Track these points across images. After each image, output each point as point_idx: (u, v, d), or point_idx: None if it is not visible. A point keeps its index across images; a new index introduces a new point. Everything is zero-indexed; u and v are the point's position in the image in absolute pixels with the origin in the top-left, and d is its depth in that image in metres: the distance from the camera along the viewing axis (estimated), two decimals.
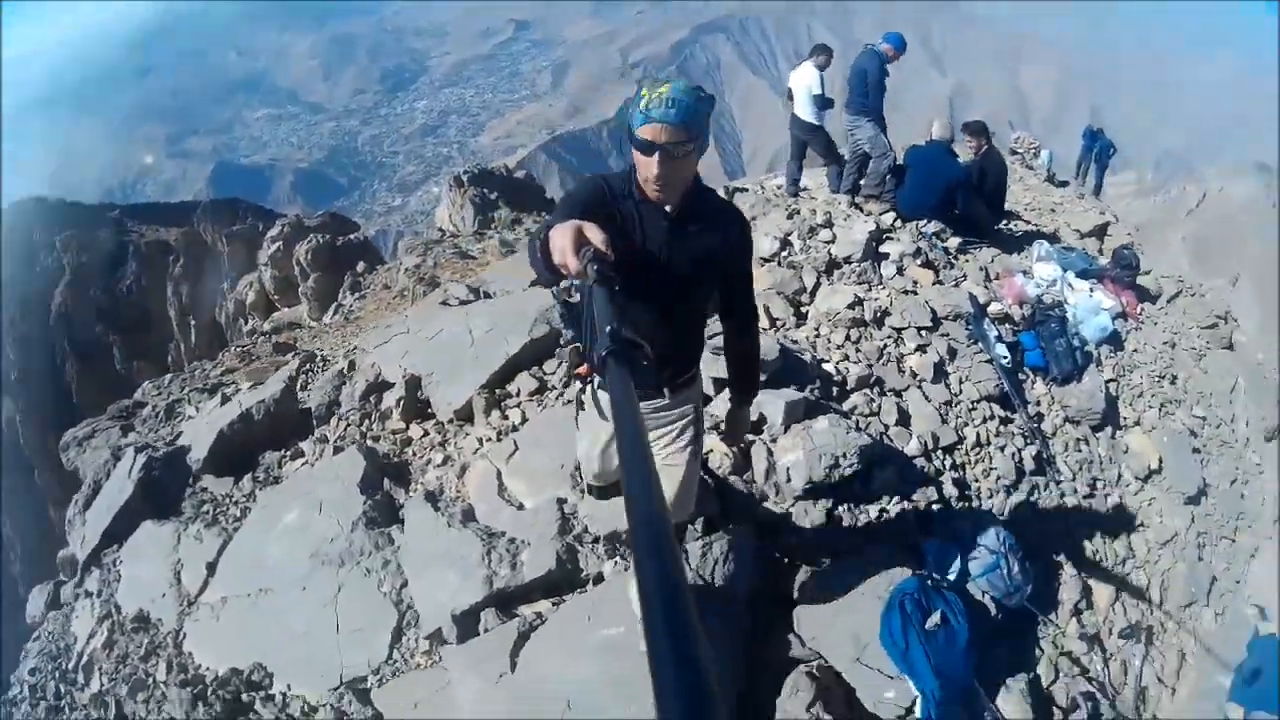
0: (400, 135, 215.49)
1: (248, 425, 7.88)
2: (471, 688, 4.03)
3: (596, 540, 4.66)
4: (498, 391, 6.24)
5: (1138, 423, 7.35)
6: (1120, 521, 6.38)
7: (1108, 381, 7.46)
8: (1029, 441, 6.18)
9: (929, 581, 4.05)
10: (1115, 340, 8.16)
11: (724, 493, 4.74)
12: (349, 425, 7.12)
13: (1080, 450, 6.65)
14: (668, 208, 2.62)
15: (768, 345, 5.57)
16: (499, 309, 7.76)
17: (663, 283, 2.65)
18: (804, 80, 9.57)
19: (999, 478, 5.71)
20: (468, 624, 4.35)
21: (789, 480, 4.63)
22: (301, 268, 19.87)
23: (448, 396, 6.37)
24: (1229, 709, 5.09)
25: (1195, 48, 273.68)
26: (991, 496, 5.61)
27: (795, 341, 6.29)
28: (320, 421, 7.54)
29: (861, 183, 9.82)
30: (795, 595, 4.17)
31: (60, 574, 8.55)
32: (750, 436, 4.95)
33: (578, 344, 3.16)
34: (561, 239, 1.93)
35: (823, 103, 9.59)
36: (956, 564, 4.41)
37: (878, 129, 9.48)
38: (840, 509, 4.70)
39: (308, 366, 8.96)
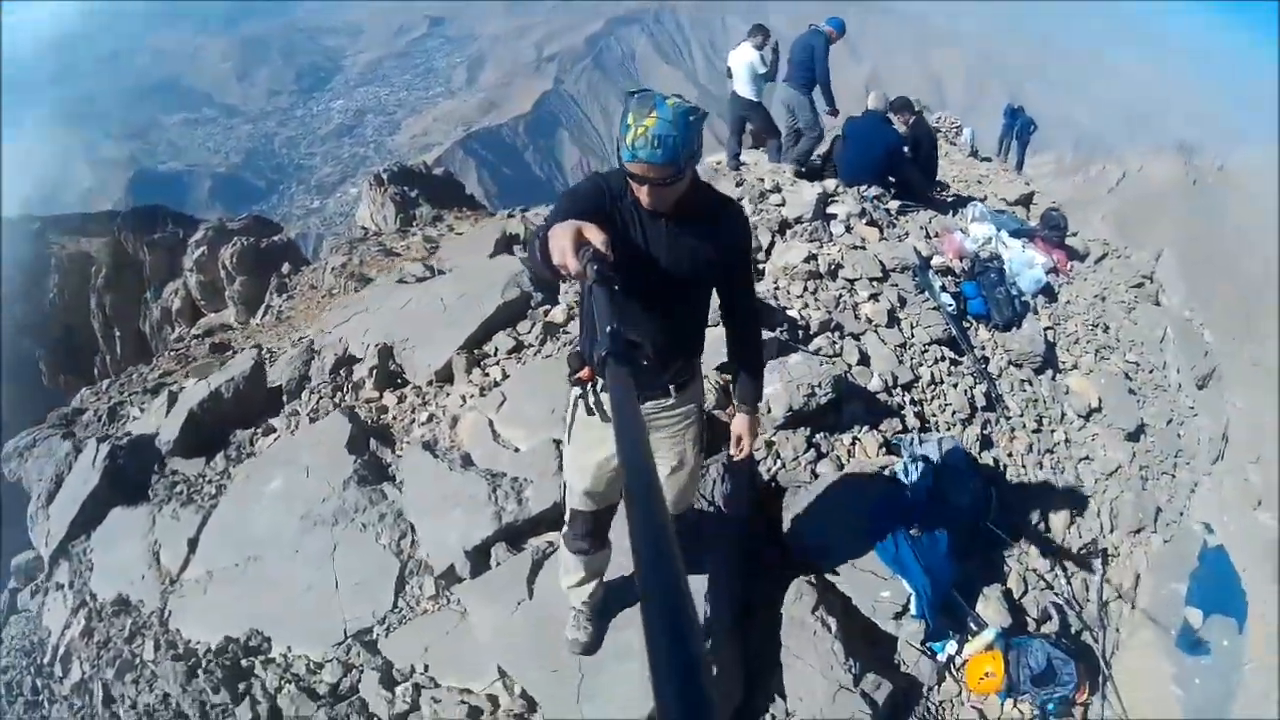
0: (317, 136, 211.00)
1: (217, 404, 7.82)
2: (490, 618, 4.20)
3: None
4: (475, 352, 6.37)
5: (1075, 366, 7.79)
6: (1068, 454, 6.76)
7: (1045, 329, 7.86)
8: (978, 381, 6.55)
9: (906, 494, 4.37)
10: (1049, 293, 8.62)
11: (711, 424, 4.95)
12: (321, 398, 7.15)
13: (1025, 390, 7.03)
14: (665, 211, 2.62)
15: None
16: (467, 277, 7.88)
17: (664, 283, 2.65)
18: (744, 59, 9.89)
19: (954, 412, 6.07)
20: (480, 559, 4.51)
21: (769, 411, 4.91)
22: (227, 271, 19.68)
23: (425, 360, 6.47)
24: (1188, 613, 5.47)
25: (1101, 43, 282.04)
26: (949, 429, 5.94)
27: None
28: (291, 397, 7.53)
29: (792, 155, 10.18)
30: (785, 512, 4.44)
31: (13, 580, 8.42)
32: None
33: (577, 348, 3.05)
34: (561, 239, 1.95)
35: (763, 80, 9.94)
36: (929, 479, 4.71)
37: (814, 107, 9.87)
38: (818, 437, 5.01)
39: (267, 354, 8.95)
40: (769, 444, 4.93)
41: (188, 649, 5.38)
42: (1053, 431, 6.87)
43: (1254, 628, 5.63)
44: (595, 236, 1.94)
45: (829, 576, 4.15)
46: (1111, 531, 6.37)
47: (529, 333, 6.48)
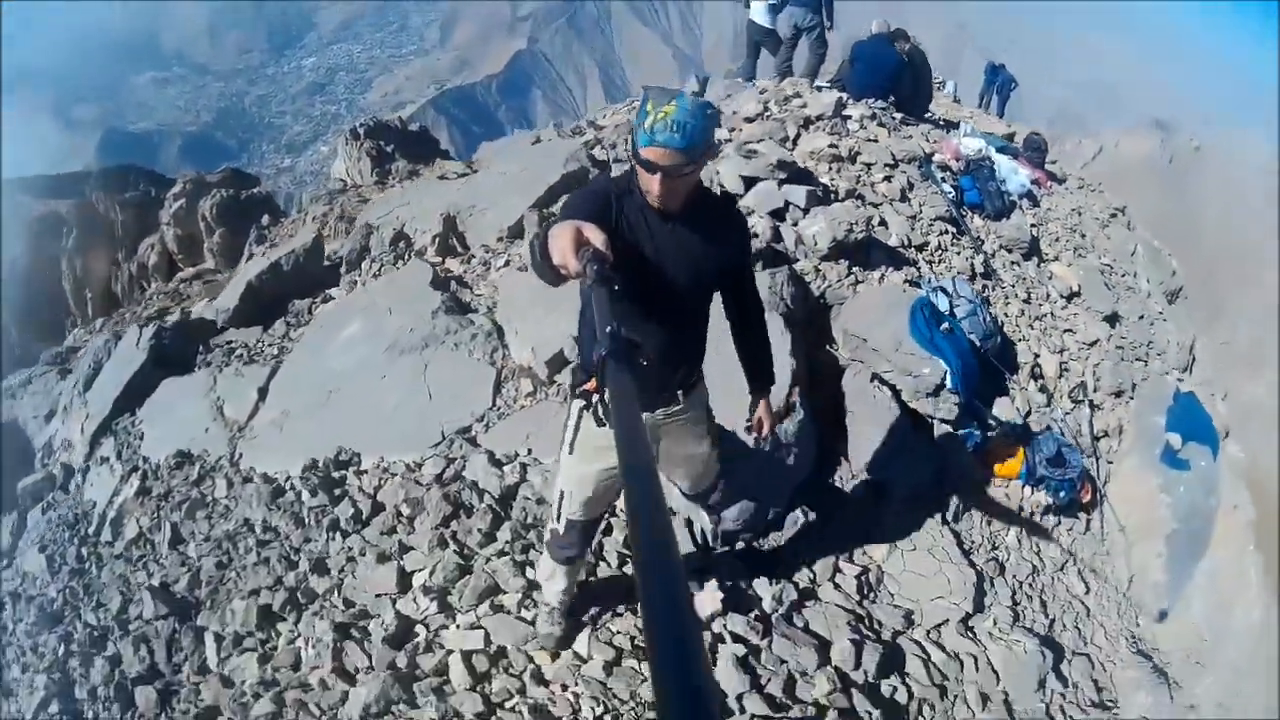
0: (288, 95, 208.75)
1: (276, 275, 8.23)
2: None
3: None
4: (544, 211, 6.92)
5: (1057, 258, 8.50)
6: (1053, 325, 7.43)
7: (1030, 225, 8.59)
8: (977, 252, 7.32)
9: (933, 304, 5.16)
10: (1032, 199, 9.36)
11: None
12: (383, 266, 7.57)
13: (1014, 270, 7.75)
14: (672, 211, 2.65)
15: (784, 155, 6.58)
16: (525, 158, 8.46)
17: (673, 284, 2.65)
18: None
19: (959, 273, 6.77)
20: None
21: (815, 244, 5.65)
22: (207, 224, 19.66)
23: (495, 221, 6.98)
24: (1169, 437, 6.19)
25: (1079, 20, 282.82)
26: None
27: None
28: (351, 268, 7.98)
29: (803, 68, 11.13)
30: (834, 322, 5.21)
31: (19, 505, 8.31)
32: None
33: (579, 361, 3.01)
34: (561, 239, 1.96)
35: (776, 9, 10.79)
36: (947, 303, 5.48)
37: (821, 25, 10.77)
38: (854, 269, 5.77)
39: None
40: (816, 269, 5.69)
41: (268, 477, 5.65)
42: (1039, 306, 7.54)
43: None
44: (595, 236, 1.96)
45: (882, 353, 4.93)
46: (1095, 391, 6.97)
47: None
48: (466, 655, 3.69)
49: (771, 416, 3.54)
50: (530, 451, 4.85)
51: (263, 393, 6.54)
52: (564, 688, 3.54)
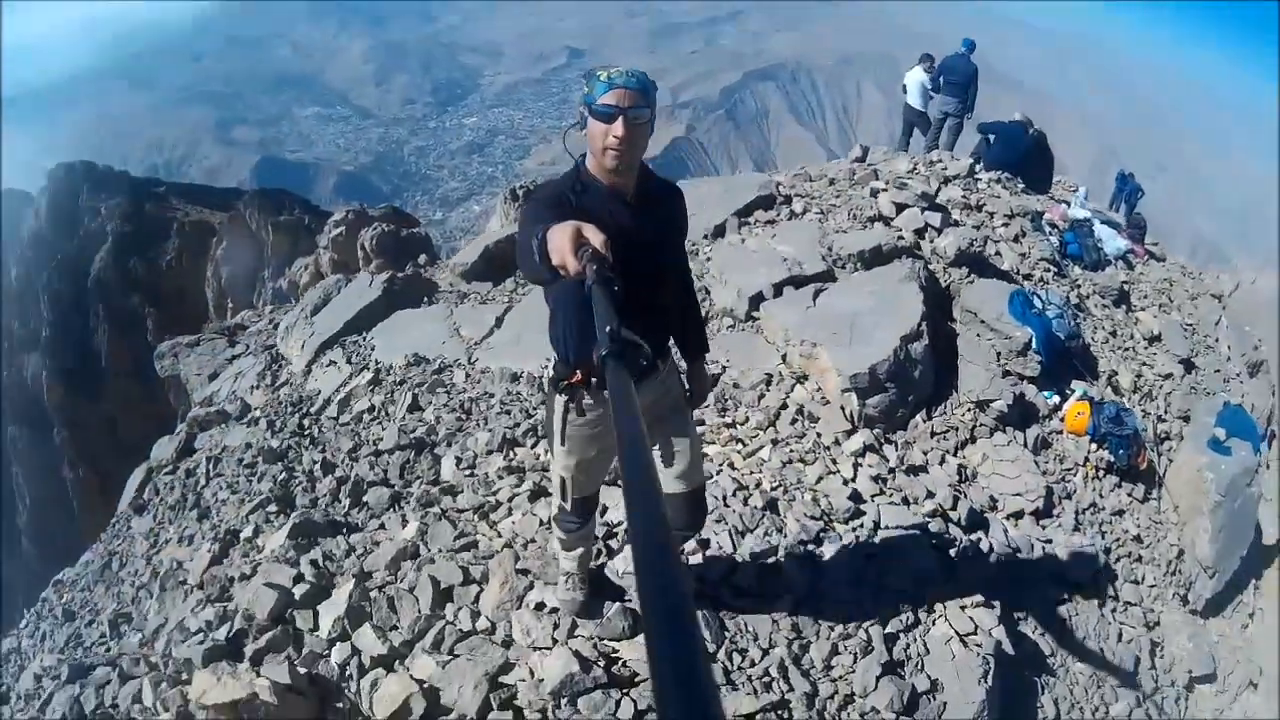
0: (447, 150, 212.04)
1: (510, 246, 9.85)
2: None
3: None
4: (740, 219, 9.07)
5: (1144, 309, 9.96)
6: (1134, 354, 8.84)
7: (1121, 282, 10.11)
8: (1072, 288, 9.06)
9: (1030, 297, 7.07)
10: (1127, 263, 10.96)
11: None
12: None
13: (1104, 310, 9.33)
14: (627, 196, 2.75)
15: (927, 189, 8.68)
16: (722, 182, 10.86)
17: (642, 266, 2.57)
18: (916, 78, 13.52)
19: (1061, 300, 8.40)
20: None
21: (945, 253, 7.75)
22: (365, 253, 19.47)
23: (704, 222, 8.97)
24: (1216, 430, 7.44)
25: (1230, 142, 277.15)
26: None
27: None
28: None
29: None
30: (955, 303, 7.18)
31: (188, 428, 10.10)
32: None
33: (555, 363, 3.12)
34: (560, 239, 1.94)
35: (927, 95, 13.29)
36: (1040, 303, 7.34)
37: (963, 113, 13.13)
38: (972, 275, 7.75)
39: None
40: (944, 270, 7.66)
41: (506, 371, 7.35)
42: (1123, 340, 8.99)
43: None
44: (594, 236, 1.95)
45: (987, 319, 6.88)
46: (1167, 411, 8.20)
47: (774, 210, 9.19)
48: None
49: (708, 384, 3.84)
50: (729, 363, 6.72)
51: (499, 321, 8.45)
52: None
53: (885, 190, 8.73)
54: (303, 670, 3.94)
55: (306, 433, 7.89)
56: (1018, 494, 6.11)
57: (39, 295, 46.09)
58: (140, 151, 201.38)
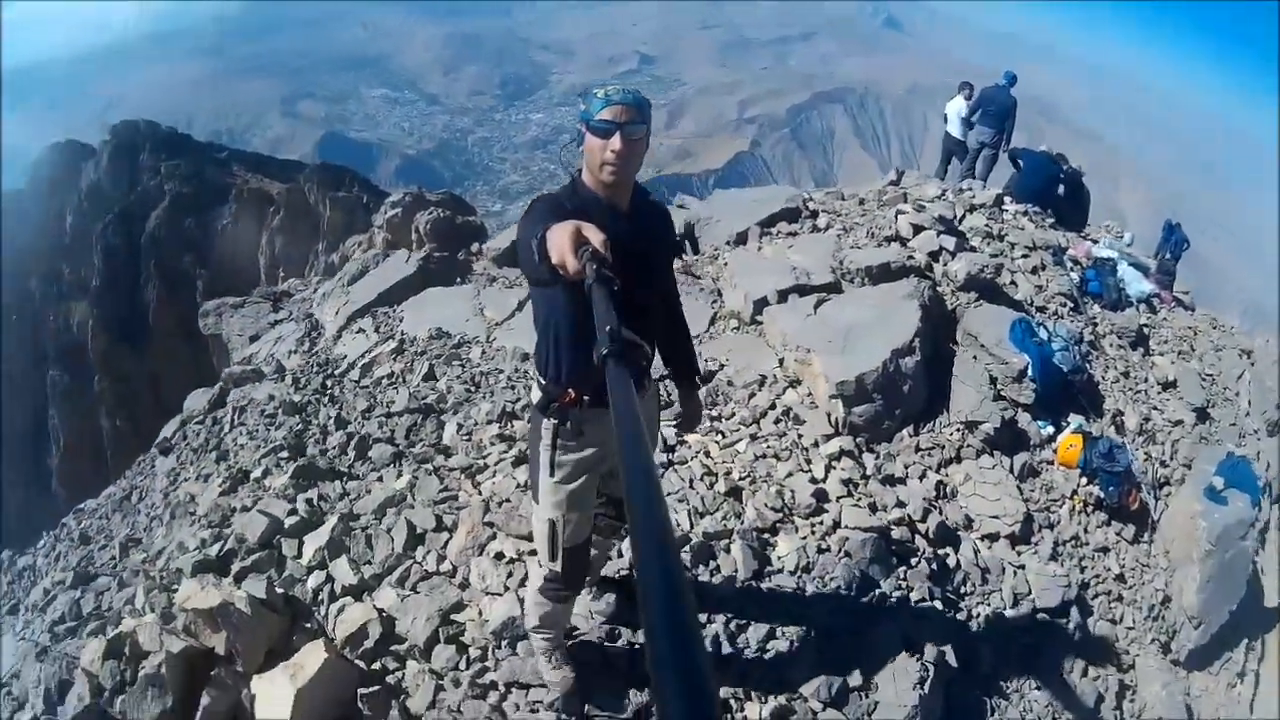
0: (511, 143, 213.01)
1: None
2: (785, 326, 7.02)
3: None
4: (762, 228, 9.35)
5: (1162, 354, 9.87)
6: (1145, 397, 8.83)
7: (1141, 324, 10.02)
8: (1088, 324, 9.15)
9: (1034, 326, 7.22)
10: (1150, 308, 10.88)
11: None
12: None
13: (1120, 350, 9.34)
14: (622, 211, 2.76)
15: (945, 213, 8.87)
16: (754, 193, 11.26)
17: (636, 278, 2.61)
18: (955, 108, 13.71)
19: (1069, 333, 8.50)
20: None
21: (955, 277, 7.88)
22: (419, 236, 18.79)
23: (726, 229, 9.40)
24: (1214, 479, 7.41)
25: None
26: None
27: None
28: None
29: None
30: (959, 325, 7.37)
31: (223, 383, 10.57)
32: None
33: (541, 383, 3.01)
34: (560, 239, 1.93)
35: (967, 124, 13.49)
36: (1045, 334, 7.47)
37: (999, 144, 13.21)
38: (980, 300, 7.90)
39: None
40: (953, 294, 7.84)
41: (520, 350, 7.79)
42: (1135, 383, 8.96)
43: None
44: (594, 236, 1.94)
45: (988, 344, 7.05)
46: (1172, 458, 8.12)
47: (798, 223, 9.45)
48: None
49: (700, 410, 3.80)
50: (728, 362, 6.99)
51: (521, 304, 8.85)
52: None
53: (906, 212, 8.92)
54: (280, 590, 4.28)
55: (328, 392, 8.36)
56: (995, 516, 6.20)
57: (92, 246, 46.55)
58: (204, 117, 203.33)
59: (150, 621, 3.82)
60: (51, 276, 49.56)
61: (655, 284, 3.02)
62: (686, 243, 9.57)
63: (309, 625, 4.13)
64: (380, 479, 5.88)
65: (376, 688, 3.61)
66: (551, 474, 2.98)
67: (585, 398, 2.84)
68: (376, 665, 3.88)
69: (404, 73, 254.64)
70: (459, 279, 10.83)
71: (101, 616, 5.38)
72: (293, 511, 5.36)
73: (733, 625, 4.12)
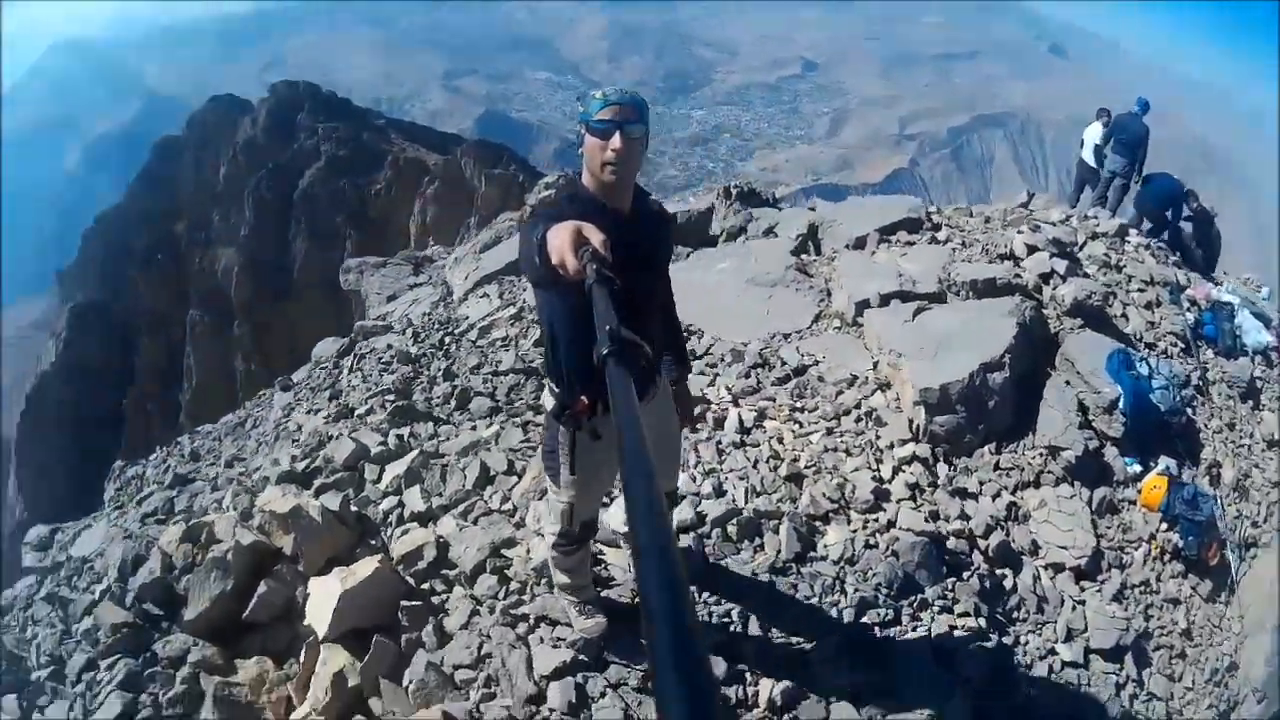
0: (671, 138, 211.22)
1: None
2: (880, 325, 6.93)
3: None
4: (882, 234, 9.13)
5: (1272, 410, 9.20)
6: (1248, 451, 8.30)
7: (1255, 376, 9.40)
8: (1195, 368, 8.67)
9: (1136, 358, 6.93)
10: (1268, 360, 10.04)
11: None
12: (750, 238, 10.09)
13: (1228, 401, 8.78)
14: (623, 213, 2.72)
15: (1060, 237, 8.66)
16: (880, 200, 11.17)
17: (638, 280, 2.58)
18: (1092, 135, 13.05)
19: (1173, 374, 8.08)
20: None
21: (1062, 301, 7.61)
22: None
23: (848, 232, 9.19)
24: None
25: None
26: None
27: None
28: (730, 237, 10.44)
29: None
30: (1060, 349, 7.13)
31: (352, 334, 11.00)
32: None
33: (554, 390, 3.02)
34: (560, 239, 1.90)
35: (1101, 151, 12.90)
36: (1147, 370, 7.14)
37: (1130, 175, 12.53)
38: (1085, 326, 7.60)
39: None
40: (1058, 317, 7.56)
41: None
42: (1240, 436, 8.43)
43: None
44: (594, 236, 1.91)
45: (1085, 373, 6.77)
46: (1265, 519, 7.62)
47: (919, 233, 9.22)
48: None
49: (693, 402, 3.83)
50: (823, 359, 6.91)
51: None
52: None
53: (1022, 233, 8.67)
54: (353, 508, 4.51)
55: (444, 348, 8.65)
56: (1064, 546, 5.91)
57: (244, 197, 48.25)
58: (366, 84, 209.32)
59: (229, 516, 4.08)
60: (200, 222, 51.90)
61: (656, 284, 3.03)
62: (809, 243, 9.48)
63: (374, 543, 4.34)
64: (474, 428, 6.07)
65: (418, 603, 3.79)
66: (572, 472, 3.03)
67: (600, 404, 2.82)
68: (425, 586, 4.06)
69: (568, 58, 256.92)
70: None
71: (190, 514, 5.75)
72: (383, 443, 5.63)
73: (762, 605, 4.10)
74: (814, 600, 4.20)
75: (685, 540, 4.35)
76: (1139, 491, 6.65)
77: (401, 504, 4.79)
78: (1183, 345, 8.76)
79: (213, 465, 8.05)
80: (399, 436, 5.83)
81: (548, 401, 3.05)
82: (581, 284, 1.80)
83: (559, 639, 3.72)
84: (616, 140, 2.52)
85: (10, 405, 50.36)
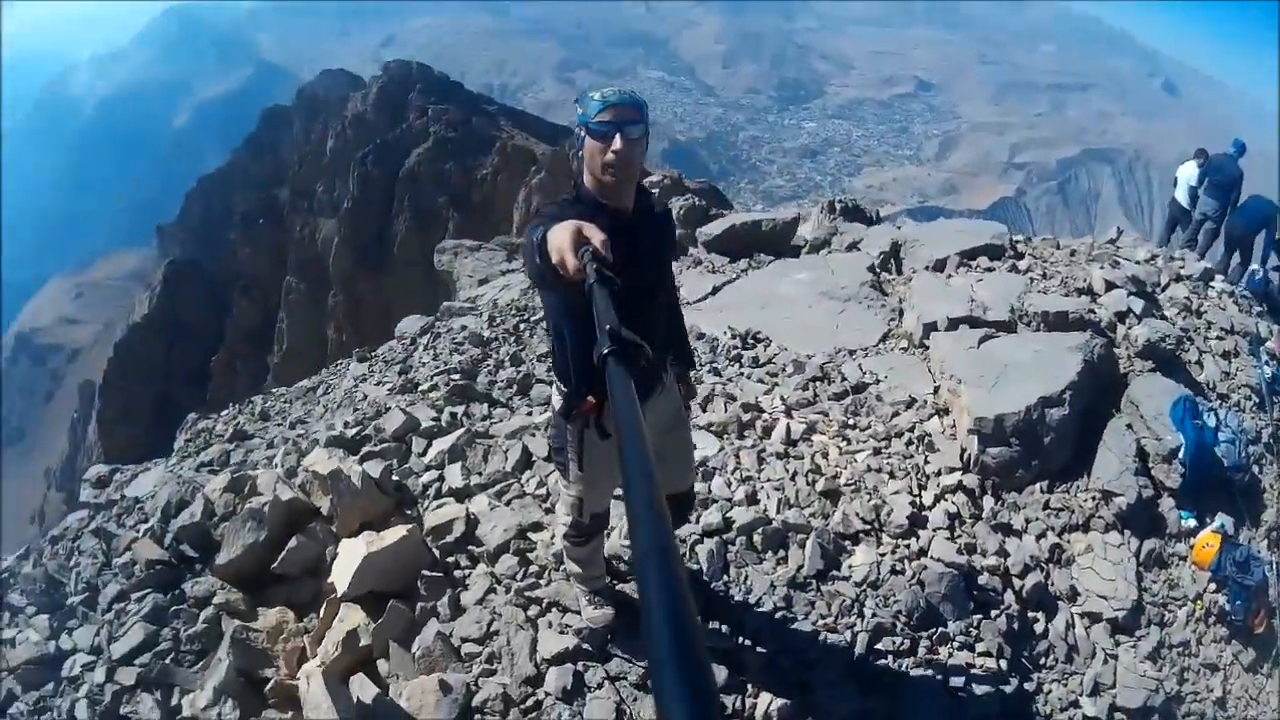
0: (780, 147, 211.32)
1: (754, 229, 10.84)
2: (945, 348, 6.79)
3: None
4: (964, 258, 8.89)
5: None
6: None
7: None
8: (1269, 425, 8.25)
9: (1201, 406, 6.62)
10: None
11: None
12: (833, 250, 9.94)
13: None
14: (626, 214, 2.68)
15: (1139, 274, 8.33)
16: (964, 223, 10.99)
17: (643, 281, 2.60)
18: (1186, 174, 12.41)
19: (1242, 428, 7.68)
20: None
21: (1135, 341, 7.33)
22: None
23: (928, 254, 8.96)
24: None
25: None
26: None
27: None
28: (814, 249, 10.31)
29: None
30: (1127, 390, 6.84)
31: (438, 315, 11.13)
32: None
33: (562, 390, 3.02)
34: (560, 239, 1.88)
35: (1195, 194, 12.31)
36: (1215, 421, 6.80)
37: (1222, 219, 11.98)
38: (1156, 369, 7.30)
39: None
40: (1129, 358, 7.29)
41: (696, 329, 7.83)
42: None
43: None
44: (595, 236, 1.89)
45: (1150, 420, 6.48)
46: None
47: (1000, 260, 8.97)
48: None
49: (694, 391, 3.86)
50: (885, 379, 6.79)
51: (715, 289, 8.95)
52: None
53: (1103, 268, 8.35)
54: (395, 478, 4.60)
55: (517, 333, 8.72)
56: (1104, 596, 5.61)
57: (349, 170, 48.87)
58: (479, 70, 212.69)
59: (273, 471, 4.21)
60: (304, 192, 52.93)
61: (659, 284, 2.99)
62: (891, 261, 9.33)
63: (409, 513, 4.42)
64: (530, 414, 6.09)
65: (440, 574, 3.85)
66: (581, 469, 3.05)
67: (606, 402, 2.70)
68: (451, 559, 4.11)
69: (683, 59, 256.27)
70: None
71: (242, 466, 5.94)
72: (435, 419, 5.72)
73: (779, 616, 4.03)
74: (829, 620, 4.09)
75: (709, 545, 4.30)
76: (1190, 547, 6.27)
77: (441, 478, 4.84)
78: (1257, 399, 8.33)
79: (279, 426, 8.24)
80: (452, 414, 5.91)
81: (556, 400, 3.05)
82: (582, 284, 1.78)
83: (566, 625, 3.73)
84: (617, 142, 2.49)
85: (99, 351, 52.24)
